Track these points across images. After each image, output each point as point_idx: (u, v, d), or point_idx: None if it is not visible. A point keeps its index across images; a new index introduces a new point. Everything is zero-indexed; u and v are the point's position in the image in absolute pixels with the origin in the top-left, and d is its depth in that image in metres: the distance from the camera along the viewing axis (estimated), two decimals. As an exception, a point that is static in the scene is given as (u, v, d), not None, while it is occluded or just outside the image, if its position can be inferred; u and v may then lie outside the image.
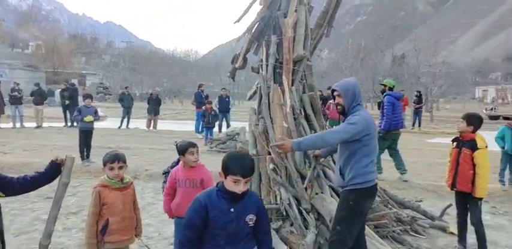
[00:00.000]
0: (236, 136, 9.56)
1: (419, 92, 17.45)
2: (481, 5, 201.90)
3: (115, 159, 2.81)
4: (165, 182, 3.57)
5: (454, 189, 3.89)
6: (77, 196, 5.88)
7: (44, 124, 14.75)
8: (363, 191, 2.90)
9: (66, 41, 56.82)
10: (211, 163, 6.66)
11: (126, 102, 14.65)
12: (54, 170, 2.58)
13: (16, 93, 13.87)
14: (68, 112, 14.61)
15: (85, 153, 7.68)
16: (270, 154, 4.00)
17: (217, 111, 11.66)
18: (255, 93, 4.25)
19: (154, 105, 14.11)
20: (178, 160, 3.38)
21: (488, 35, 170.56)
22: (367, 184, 2.90)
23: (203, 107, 10.99)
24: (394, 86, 7.18)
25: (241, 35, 3.90)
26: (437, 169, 8.15)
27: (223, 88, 12.81)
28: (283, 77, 4.01)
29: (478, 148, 3.72)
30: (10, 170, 7.27)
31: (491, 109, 30.09)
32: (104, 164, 2.84)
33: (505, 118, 26.54)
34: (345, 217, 2.92)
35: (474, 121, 3.82)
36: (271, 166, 3.91)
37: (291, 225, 3.70)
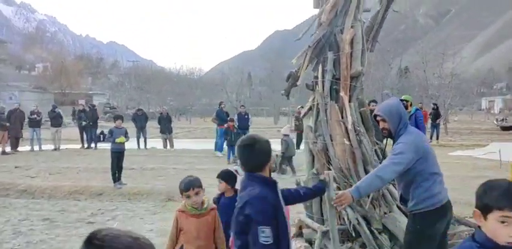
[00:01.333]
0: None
1: (435, 105, 17.36)
2: (481, 17, 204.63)
3: (189, 186, 2.73)
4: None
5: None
6: (116, 220, 5.75)
7: (61, 146, 14.71)
8: (430, 213, 2.73)
9: (73, 61, 57.60)
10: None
11: (139, 122, 14.64)
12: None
13: (35, 116, 13.88)
14: (84, 133, 14.59)
15: (117, 175, 7.57)
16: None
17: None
18: (309, 110, 4.18)
19: (166, 124, 14.06)
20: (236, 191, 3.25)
21: (490, 46, 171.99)
22: (434, 205, 2.75)
23: (225, 125, 10.93)
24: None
25: (301, 52, 3.87)
26: (473, 183, 8.00)
27: (242, 105, 12.80)
28: (341, 93, 3.95)
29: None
30: (42, 194, 7.17)
31: (502, 119, 29.91)
32: (181, 193, 2.80)
33: (516, 129, 26.42)
34: (413, 241, 2.78)
35: None
36: (335, 185, 3.79)
37: (360, 246, 3.56)
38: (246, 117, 12.04)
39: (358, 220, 3.56)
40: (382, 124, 2.93)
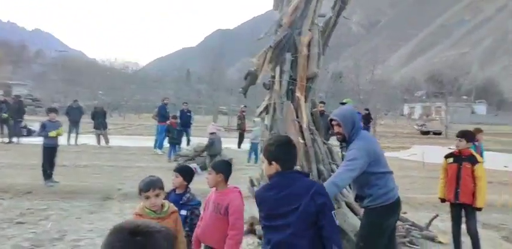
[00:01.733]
0: (205, 152, 9.35)
1: (367, 109, 18.42)
2: (405, 30, 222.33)
3: (149, 187, 2.53)
4: None
5: (456, 201, 4.15)
6: (50, 220, 5.31)
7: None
8: (385, 207, 2.97)
9: (-10, 48, 52.14)
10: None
11: (73, 116, 13.69)
12: None
13: None
14: (5, 127, 13.30)
15: (48, 172, 6.99)
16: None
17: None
18: (266, 108, 4.23)
19: (101, 119, 13.32)
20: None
21: (413, 56, 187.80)
22: (389, 200, 2.99)
23: (167, 122, 10.63)
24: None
25: (262, 52, 3.90)
26: (401, 182, 8.67)
27: (185, 103, 12.55)
28: (297, 94, 4.05)
29: (477, 162, 4.03)
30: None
31: (422, 125, 32.75)
32: (139, 193, 2.58)
33: (435, 133, 29.15)
34: (368, 234, 2.98)
35: (471, 137, 4.16)
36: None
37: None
38: (189, 114, 11.83)
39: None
40: (337, 129, 3.06)
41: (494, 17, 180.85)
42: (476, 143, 6.11)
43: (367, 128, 17.65)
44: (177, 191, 3.16)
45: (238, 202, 2.76)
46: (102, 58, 78.10)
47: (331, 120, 3.07)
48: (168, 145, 10.85)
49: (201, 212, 2.97)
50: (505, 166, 11.01)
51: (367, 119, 17.64)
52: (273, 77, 4.18)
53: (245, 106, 14.13)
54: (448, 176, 4.23)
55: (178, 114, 12.07)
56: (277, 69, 4.10)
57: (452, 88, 31.16)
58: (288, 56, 4.02)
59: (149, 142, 14.21)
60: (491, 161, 8.57)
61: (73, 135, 13.78)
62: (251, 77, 4.06)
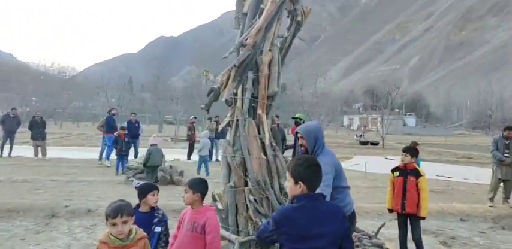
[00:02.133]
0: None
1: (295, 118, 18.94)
2: (344, 45, 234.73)
3: (117, 213, 2.34)
4: None
5: (403, 212, 4.52)
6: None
7: None
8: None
9: None
10: (129, 194, 6.23)
11: (9, 126, 12.70)
12: None
13: None
14: None
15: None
16: (247, 185, 4.09)
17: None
18: (228, 125, 4.33)
19: (39, 129, 12.47)
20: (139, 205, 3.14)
21: (351, 70, 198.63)
22: (346, 213, 3.21)
23: (115, 133, 10.26)
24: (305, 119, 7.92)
25: (226, 70, 4.00)
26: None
27: (133, 113, 12.18)
28: (259, 111, 4.21)
29: (421, 175, 4.45)
30: None
31: (360, 136, 34.60)
32: (106, 219, 2.38)
33: (372, 144, 30.97)
34: None
35: (415, 153, 4.58)
36: (251, 197, 4.00)
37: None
38: (137, 125, 11.49)
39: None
40: (301, 141, 3.29)
41: (421, 37, 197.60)
42: None
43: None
44: (142, 209, 3.13)
45: (215, 220, 2.80)
46: (35, 62, 73.00)
47: (297, 132, 3.29)
48: (114, 157, 10.45)
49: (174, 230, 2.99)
50: (437, 175, 12.03)
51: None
52: (235, 94, 4.30)
53: (195, 117, 14.06)
54: (395, 189, 4.61)
55: (125, 124, 11.67)
56: (239, 87, 4.23)
57: (386, 101, 33.48)
58: (250, 75, 4.17)
59: (92, 153, 13.51)
60: (424, 170, 9.37)
61: (7, 146, 12.76)
62: (214, 94, 4.15)
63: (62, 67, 67.71)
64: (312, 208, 2.14)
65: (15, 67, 53.57)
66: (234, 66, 3.90)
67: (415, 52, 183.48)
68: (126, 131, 10.47)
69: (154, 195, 3.07)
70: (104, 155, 11.47)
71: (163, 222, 3.01)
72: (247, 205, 4.05)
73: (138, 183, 6.32)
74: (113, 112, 11.70)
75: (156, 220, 2.96)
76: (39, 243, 4.96)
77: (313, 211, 2.13)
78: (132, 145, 11.27)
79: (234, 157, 4.15)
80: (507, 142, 7.64)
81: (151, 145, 8.62)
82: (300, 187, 2.19)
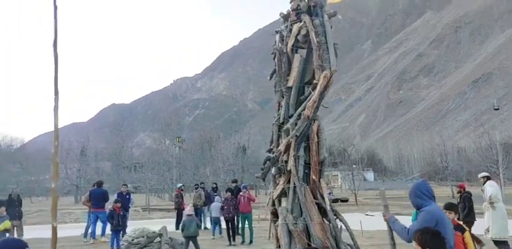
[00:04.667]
0: (158, 238, 8.68)
1: (235, 181, 18.72)
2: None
3: None
4: None
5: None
6: None
7: None
8: None
9: None
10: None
11: None
12: None
13: None
14: None
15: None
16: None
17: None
18: (283, 192, 4.45)
19: (17, 207, 11.52)
20: None
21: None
22: None
23: (109, 207, 9.73)
24: None
25: (286, 140, 4.27)
26: None
27: (124, 184, 11.72)
28: (313, 177, 4.42)
29: (465, 230, 4.71)
30: None
31: (329, 193, 35.02)
32: None
33: (342, 201, 31.28)
34: None
35: (457, 209, 4.92)
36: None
37: None
38: (128, 196, 11.00)
39: None
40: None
41: (364, 96, 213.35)
42: None
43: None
44: None
45: None
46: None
47: None
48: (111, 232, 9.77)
49: None
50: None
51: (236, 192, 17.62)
52: (285, 162, 4.51)
53: (183, 185, 13.76)
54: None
55: (115, 196, 11.13)
56: (292, 154, 4.47)
57: (343, 158, 34.84)
58: (302, 143, 4.46)
59: (69, 230, 12.56)
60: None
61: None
62: (271, 163, 4.34)
63: (10, 140, 64.38)
64: None
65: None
66: (296, 136, 4.18)
67: (361, 111, 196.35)
68: (119, 205, 9.98)
69: None
70: (89, 231, 10.67)
71: None
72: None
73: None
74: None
75: None
76: None
77: None
78: (126, 218, 10.70)
79: (296, 223, 4.22)
80: None
81: (187, 216, 8.63)
82: None
